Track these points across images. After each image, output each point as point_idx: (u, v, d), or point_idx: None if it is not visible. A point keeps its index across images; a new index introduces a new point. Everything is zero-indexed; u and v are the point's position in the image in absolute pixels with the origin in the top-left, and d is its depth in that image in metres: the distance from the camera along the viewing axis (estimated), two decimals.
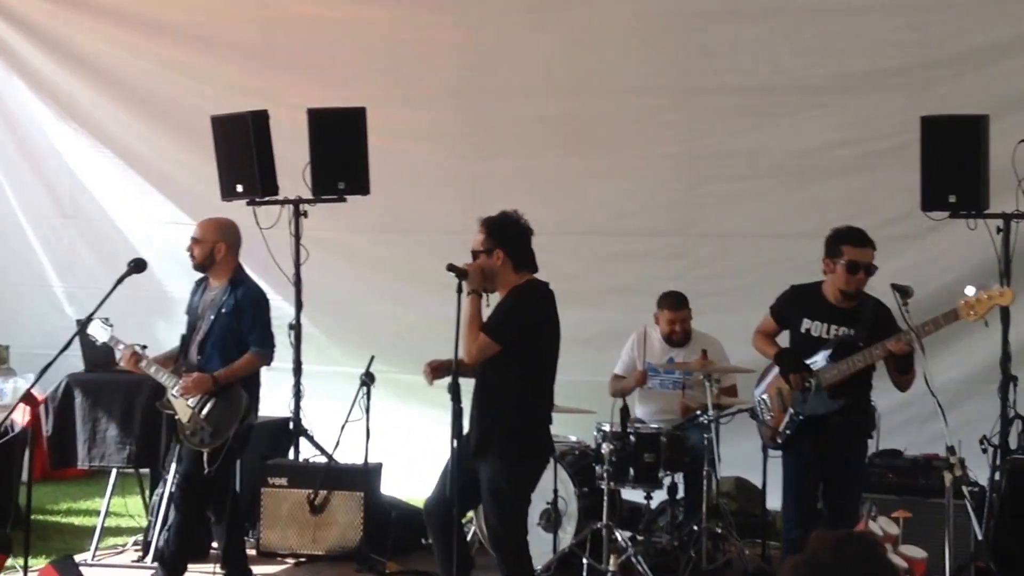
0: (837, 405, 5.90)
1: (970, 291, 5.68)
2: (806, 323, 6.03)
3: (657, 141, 8.58)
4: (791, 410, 6.02)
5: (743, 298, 8.20)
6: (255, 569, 6.93)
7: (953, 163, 6.80)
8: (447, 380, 5.41)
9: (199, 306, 6.43)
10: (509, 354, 5.44)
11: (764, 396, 6.21)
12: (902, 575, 4.78)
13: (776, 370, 6.18)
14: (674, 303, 7.37)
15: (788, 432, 6.03)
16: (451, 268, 5.48)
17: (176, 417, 6.30)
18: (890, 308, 5.90)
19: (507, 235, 5.59)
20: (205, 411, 6.21)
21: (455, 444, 5.32)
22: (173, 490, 6.62)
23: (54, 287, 9.77)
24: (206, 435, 6.22)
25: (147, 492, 7.53)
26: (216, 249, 6.37)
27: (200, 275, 6.52)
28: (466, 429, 5.50)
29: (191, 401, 6.21)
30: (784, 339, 6.26)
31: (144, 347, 6.41)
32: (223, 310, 6.32)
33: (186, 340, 6.41)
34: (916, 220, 7.27)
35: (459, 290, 5.39)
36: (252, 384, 6.37)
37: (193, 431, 6.24)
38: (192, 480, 6.30)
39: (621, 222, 8.62)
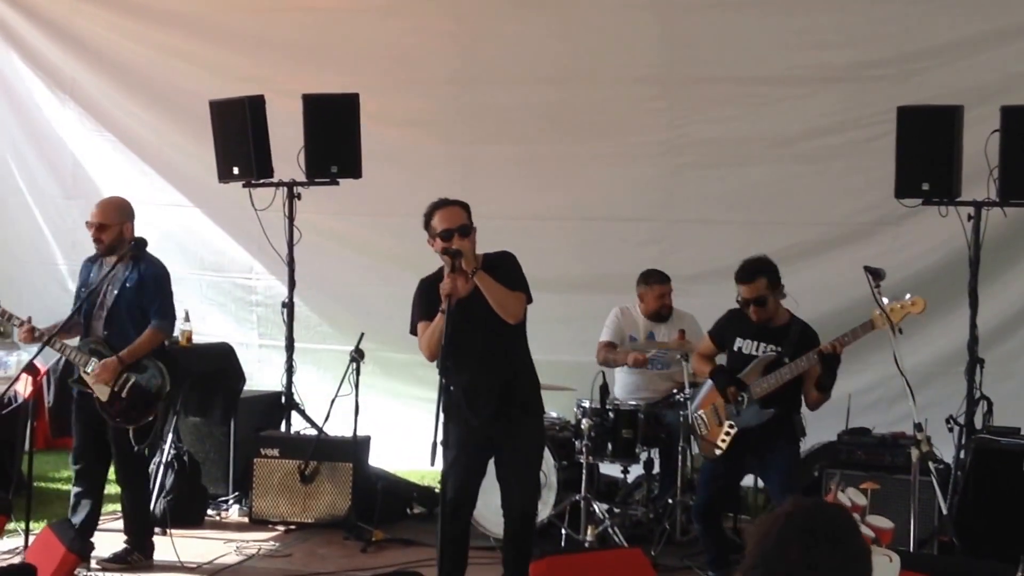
0: (768, 415, 6.10)
1: (884, 301, 5.85)
2: (738, 342, 6.26)
3: (642, 129, 8.70)
4: (728, 422, 6.21)
5: (722, 282, 8.36)
6: (247, 536, 7.15)
7: (928, 152, 6.89)
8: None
9: (95, 282, 6.36)
10: (527, 305, 5.55)
11: (700, 412, 6.37)
12: (870, 544, 4.98)
13: (709, 388, 6.40)
14: (661, 277, 7.54)
15: (724, 444, 6.20)
16: (448, 252, 5.36)
17: (95, 396, 6.30)
18: (816, 333, 6.16)
19: (471, 215, 5.61)
20: (126, 390, 6.25)
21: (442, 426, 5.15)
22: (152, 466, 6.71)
23: (59, 265, 9.93)
24: (130, 413, 6.26)
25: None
26: (124, 230, 6.38)
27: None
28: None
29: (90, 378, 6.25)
30: (722, 359, 6.46)
31: (29, 318, 6.36)
32: (127, 284, 6.32)
33: (86, 315, 6.35)
34: (891, 207, 7.38)
35: (452, 269, 5.30)
36: (165, 358, 6.41)
37: (115, 410, 6.27)
38: (127, 459, 6.37)
39: (606, 207, 8.74)
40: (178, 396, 7.30)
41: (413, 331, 5.62)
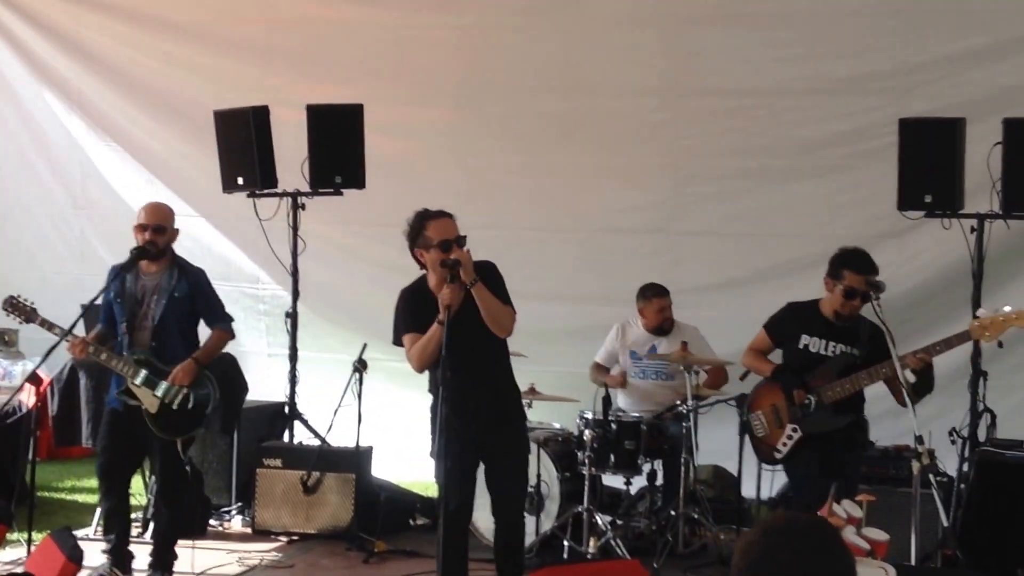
0: (843, 422, 5.95)
1: (981, 312, 5.75)
2: (804, 339, 6.07)
3: (646, 141, 8.73)
4: (790, 425, 6.04)
5: (725, 294, 8.42)
6: (250, 546, 7.15)
7: (930, 164, 6.89)
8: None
9: (137, 292, 6.21)
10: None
11: (758, 412, 6.22)
12: (863, 554, 4.97)
13: (763, 386, 6.21)
14: (660, 290, 7.54)
15: (786, 448, 6.04)
16: (447, 264, 5.38)
17: (143, 408, 6.12)
18: (883, 331, 5.83)
19: None
20: (178, 402, 6.11)
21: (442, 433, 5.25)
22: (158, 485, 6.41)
23: (68, 274, 9.89)
24: (179, 425, 6.15)
25: (147, 471, 7.71)
26: (172, 235, 6.32)
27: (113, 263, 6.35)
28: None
29: (158, 391, 6.09)
30: (776, 356, 6.34)
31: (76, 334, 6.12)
32: (176, 294, 6.19)
33: (128, 326, 6.16)
34: (893, 219, 7.37)
35: (452, 279, 5.33)
36: (226, 374, 6.39)
37: (164, 423, 6.13)
38: (173, 474, 6.25)
39: (608, 219, 8.77)
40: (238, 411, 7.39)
41: (398, 342, 5.62)
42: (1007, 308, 5.77)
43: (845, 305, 6.00)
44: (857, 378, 5.91)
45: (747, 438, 6.48)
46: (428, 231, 5.49)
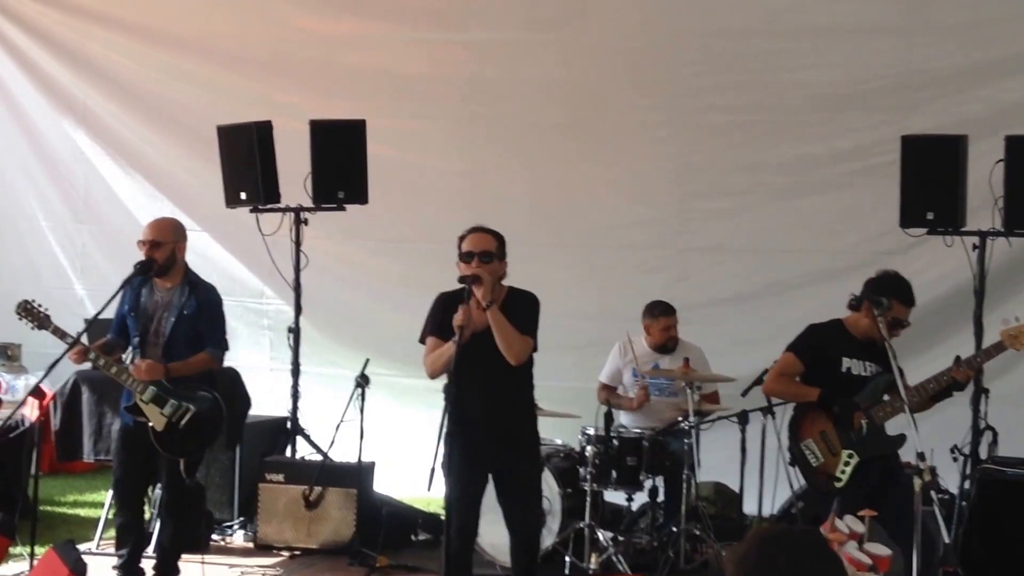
0: (899, 443, 5.87)
1: (1018, 318, 5.71)
2: (846, 362, 5.95)
3: (651, 156, 8.77)
4: (846, 452, 5.89)
5: (729, 310, 8.43)
6: (252, 561, 7.14)
7: (932, 181, 6.91)
8: (440, 381, 5.52)
9: (150, 307, 6.19)
10: (534, 351, 5.60)
11: (808, 442, 6.00)
12: (865, 569, 4.97)
13: (804, 414, 6.03)
14: (667, 308, 7.53)
15: (845, 476, 5.88)
16: (463, 279, 5.42)
17: (149, 425, 6.07)
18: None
19: (505, 248, 5.63)
20: (184, 422, 6.05)
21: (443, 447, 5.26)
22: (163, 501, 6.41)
23: (71, 288, 9.92)
24: (184, 445, 6.09)
25: (151, 487, 7.73)
26: (177, 250, 6.24)
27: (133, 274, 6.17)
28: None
29: (166, 409, 6.04)
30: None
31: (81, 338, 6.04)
32: (186, 312, 6.15)
33: (140, 341, 6.15)
34: (896, 236, 7.40)
35: (465, 299, 5.36)
36: (228, 390, 6.34)
37: (169, 441, 6.07)
38: (180, 491, 6.21)
39: (613, 234, 8.79)
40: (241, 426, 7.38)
41: (422, 340, 5.67)
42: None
43: (892, 334, 5.81)
44: (905, 397, 5.74)
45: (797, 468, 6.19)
46: (464, 243, 5.54)
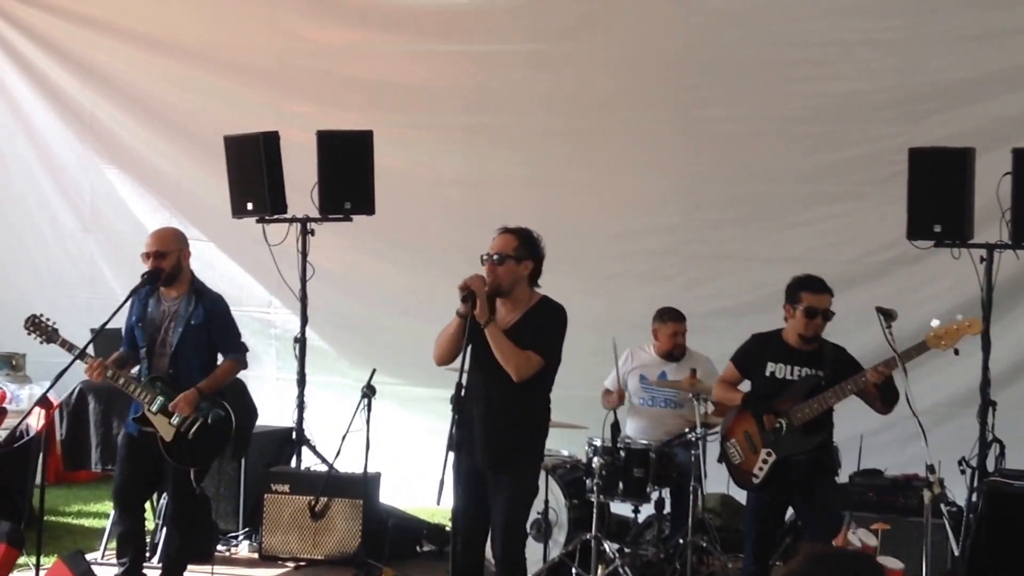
0: (813, 443, 5.97)
1: (935, 323, 5.79)
2: (770, 367, 6.11)
3: (658, 165, 8.77)
4: (764, 450, 6.05)
5: (736, 319, 8.39)
6: (257, 572, 7.15)
7: (939, 194, 6.91)
8: (447, 392, 5.36)
9: (157, 318, 6.17)
10: (547, 368, 5.41)
11: (732, 440, 6.21)
12: None
13: (734, 415, 6.23)
14: (676, 315, 7.54)
15: (762, 472, 6.04)
16: (461, 292, 5.29)
17: (158, 435, 6.06)
18: (847, 352, 6.08)
19: (537, 249, 5.47)
20: (192, 431, 6.05)
21: (452, 457, 5.19)
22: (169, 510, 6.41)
23: (78, 298, 9.88)
24: (195, 455, 6.09)
25: (155, 496, 7.72)
26: (182, 257, 6.22)
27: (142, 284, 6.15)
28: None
29: (174, 420, 6.03)
30: (744, 386, 6.34)
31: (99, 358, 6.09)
32: (192, 321, 6.13)
33: (148, 351, 6.14)
34: (903, 248, 7.40)
35: (469, 310, 5.27)
36: (235, 401, 6.29)
37: (179, 451, 6.06)
38: (187, 501, 6.19)
39: (619, 244, 8.80)
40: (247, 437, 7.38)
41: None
42: (959, 317, 5.84)
43: (809, 326, 6.04)
44: (823, 397, 5.94)
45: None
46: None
